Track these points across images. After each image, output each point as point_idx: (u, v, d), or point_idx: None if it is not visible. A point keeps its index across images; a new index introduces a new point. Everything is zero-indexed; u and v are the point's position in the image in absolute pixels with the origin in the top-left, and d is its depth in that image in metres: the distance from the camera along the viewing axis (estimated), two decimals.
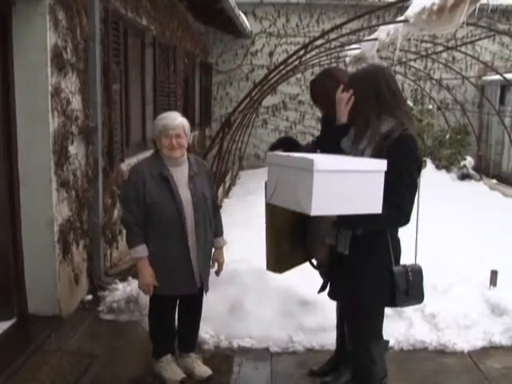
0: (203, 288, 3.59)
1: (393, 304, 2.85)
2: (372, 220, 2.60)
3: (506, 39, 12.99)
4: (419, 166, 2.77)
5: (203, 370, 3.76)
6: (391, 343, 4.06)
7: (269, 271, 3.31)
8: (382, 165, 2.53)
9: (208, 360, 3.91)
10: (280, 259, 3.21)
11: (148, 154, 3.71)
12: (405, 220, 2.72)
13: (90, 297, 4.95)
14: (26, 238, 4.28)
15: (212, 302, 4.25)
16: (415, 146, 2.74)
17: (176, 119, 3.44)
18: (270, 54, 13.43)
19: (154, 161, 3.48)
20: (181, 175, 3.46)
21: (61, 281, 4.42)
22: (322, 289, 3.14)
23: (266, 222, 3.16)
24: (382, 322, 2.97)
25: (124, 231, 5.91)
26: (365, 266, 2.81)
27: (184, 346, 3.80)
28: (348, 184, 2.45)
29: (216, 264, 3.69)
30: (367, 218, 2.57)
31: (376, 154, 2.68)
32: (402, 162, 2.66)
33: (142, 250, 3.39)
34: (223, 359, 4.01)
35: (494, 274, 4.82)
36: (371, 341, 2.93)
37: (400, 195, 2.65)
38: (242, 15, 10.93)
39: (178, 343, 3.81)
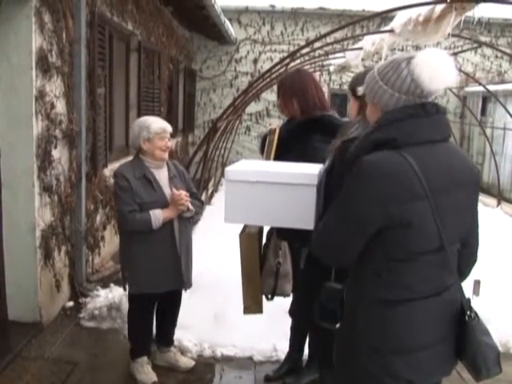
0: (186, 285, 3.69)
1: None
2: (303, 236, 2.25)
3: (487, 51, 13.16)
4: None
5: (187, 361, 3.92)
6: None
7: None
8: (311, 178, 2.26)
9: (191, 368, 3.88)
10: (258, 299, 3.23)
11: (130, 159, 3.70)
12: (317, 250, 2.02)
13: (71, 303, 4.87)
14: (7, 243, 4.21)
15: (195, 310, 4.22)
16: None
17: (166, 122, 3.59)
18: (255, 61, 13.46)
19: (136, 164, 3.54)
20: (162, 176, 3.58)
21: (42, 287, 4.34)
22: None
23: (242, 264, 3.15)
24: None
25: (107, 238, 5.92)
26: (307, 276, 2.69)
27: (164, 341, 3.90)
28: (267, 195, 2.30)
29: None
30: (295, 233, 2.30)
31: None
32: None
33: (156, 215, 3.37)
34: (206, 368, 3.96)
35: (477, 283, 4.84)
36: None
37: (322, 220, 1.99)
38: (227, 22, 10.93)
39: (158, 340, 3.89)
